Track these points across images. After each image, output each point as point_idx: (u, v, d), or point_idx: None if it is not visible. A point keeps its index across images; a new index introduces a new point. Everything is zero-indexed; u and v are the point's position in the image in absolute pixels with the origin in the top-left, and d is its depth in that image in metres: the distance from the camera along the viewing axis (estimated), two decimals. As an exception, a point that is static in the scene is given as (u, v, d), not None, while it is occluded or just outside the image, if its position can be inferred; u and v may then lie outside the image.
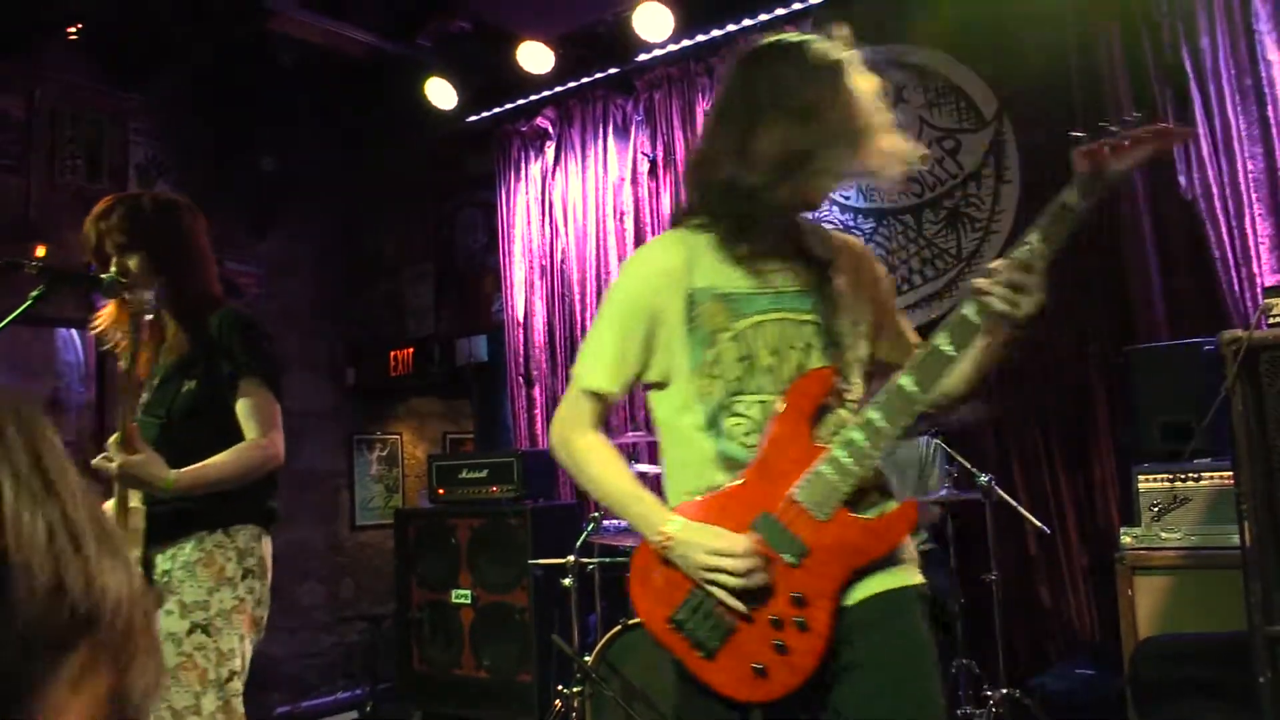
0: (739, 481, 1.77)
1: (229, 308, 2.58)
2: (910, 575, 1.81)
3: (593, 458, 1.88)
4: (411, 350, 6.66)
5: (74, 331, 5.72)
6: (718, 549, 1.69)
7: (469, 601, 5.21)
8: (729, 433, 1.79)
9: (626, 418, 5.25)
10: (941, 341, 1.73)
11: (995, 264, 1.70)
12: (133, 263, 2.53)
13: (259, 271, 6.61)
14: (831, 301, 1.85)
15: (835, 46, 1.79)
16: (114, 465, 2.28)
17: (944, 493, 3.68)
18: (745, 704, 1.72)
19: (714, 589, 1.70)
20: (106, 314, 2.64)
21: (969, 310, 1.72)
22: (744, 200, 1.77)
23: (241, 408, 2.48)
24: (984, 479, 3.53)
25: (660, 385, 1.90)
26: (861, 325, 1.91)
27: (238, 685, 2.41)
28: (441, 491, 5.47)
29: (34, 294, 2.47)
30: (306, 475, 6.70)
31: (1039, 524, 3.47)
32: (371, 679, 6.08)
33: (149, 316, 2.43)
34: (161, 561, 2.45)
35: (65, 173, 5.61)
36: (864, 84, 1.77)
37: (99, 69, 5.78)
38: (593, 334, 1.92)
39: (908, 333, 2.03)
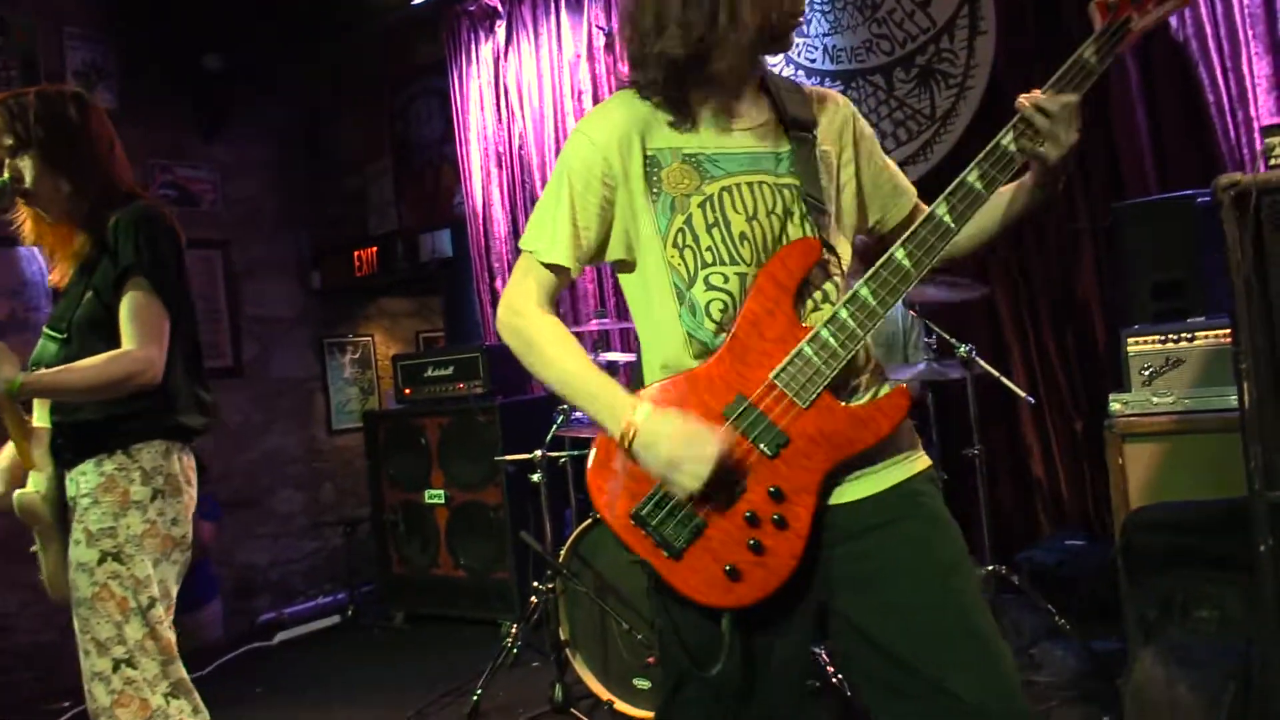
0: (712, 363, 1.58)
1: (134, 204, 2.34)
2: (914, 463, 1.64)
3: (546, 338, 1.65)
4: (375, 249, 6.46)
5: (36, 249, 5.50)
6: (686, 441, 1.50)
7: (443, 501, 5.12)
8: (704, 309, 1.60)
9: (597, 302, 5.06)
10: (941, 210, 1.54)
11: (1022, 101, 1.54)
12: (23, 164, 2.31)
13: (213, 177, 6.37)
14: (813, 163, 1.64)
15: None
16: None
17: (922, 366, 3.51)
18: (715, 609, 1.54)
19: (676, 487, 1.51)
20: (25, 224, 2.44)
21: (970, 177, 1.54)
22: (680, 71, 1.58)
23: (123, 311, 2.24)
24: (964, 349, 3.36)
25: (626, 264, 1.69)
26: (848, 189, 1.71)
27: (160, 611, 2.26)
28: (409, 391, 5.34)
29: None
30: (280, 381, 6.60)
31: (1023, 393, 3.31)
32: (353, 582, 6.03)
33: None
34: (69, 485, 2.28)
35: (1, 83, 5.30)
36: None
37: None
38: (543, 203, 1.69)
39: (906, 191, 1.80)
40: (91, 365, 2.19)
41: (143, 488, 2.25)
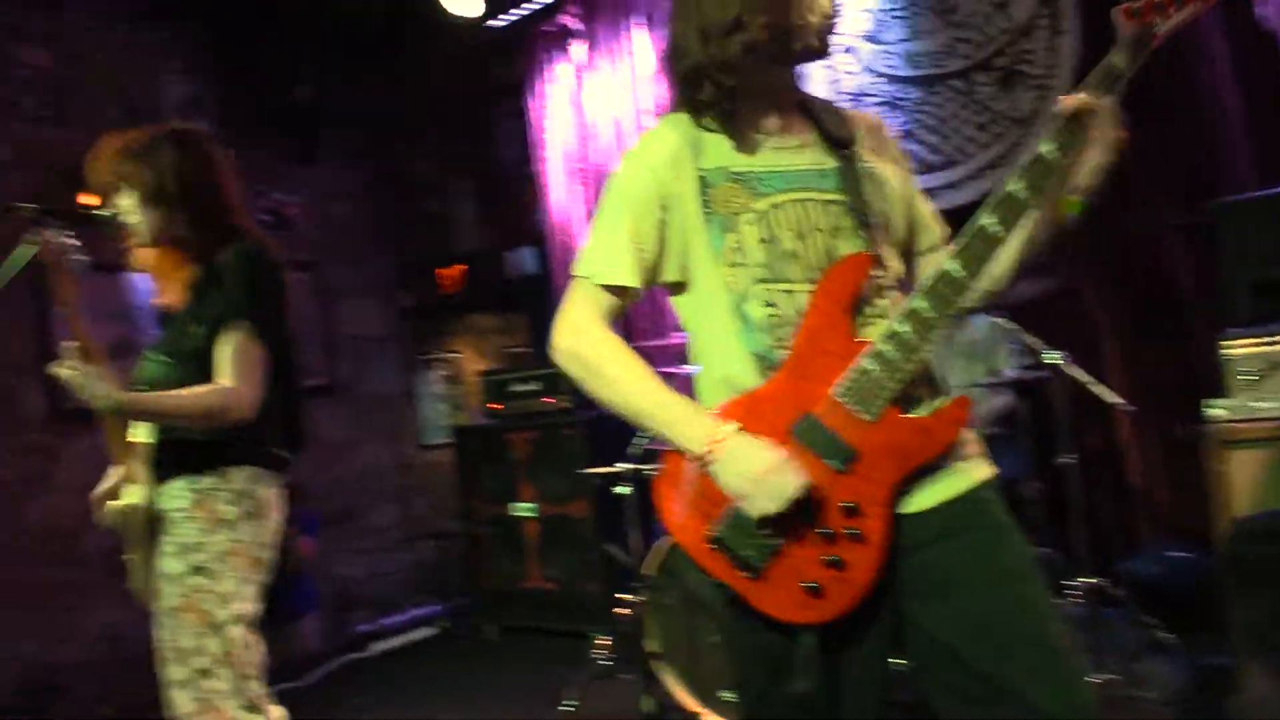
0: (773, 381, 1.59)
1: (244, 243, 2.43)
2: (977, 471, 1.63)
3: (607, 359, 1.64)
4: (461, 268, 6.58)
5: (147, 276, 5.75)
6: (771, 468, 1.50)
7: (531, 514, 5.18)
8: (759, 326, 1.61)
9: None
10: (987, 221, 1.54)
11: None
12: (135, 197, 2.42)
13: (305, 201, 6.56)
14: (857, 180, 1.66)
15: None
16: (66, 371, 2.18)
17: (1010, 375, 3.44)
18: (798, 627, 1.54)
19: (754, 506, 1.51)
20: (136, 252, 2.54)
21: (1014, 186, 1.54)
22: (714, 83, 1.64)
23: (225, 348, 2.34)
24: (1054, 355, 3.28)
25: (680, 286, 1.71)
26: (894, 205, 1.72)
27: (240, 629, 2.35)
28: (496, 406, 5.42)
29: (30, 239, 2.39)
30: (373, 398, 6.75)
31: (1118, 400, 3.23)
32: (447, 595, 6.14)
33: (75, 257, 2.28)
34: (163, 499, 2.38)
35: (102, 119, 5.54)
36: None
37: (127, 12, 5.70)
38: (599, 226, 1.71)
39: (932, 221, 1.82)
40: (188, 395, 2.28)
41: (232, 508, 2.34)
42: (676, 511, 1.60)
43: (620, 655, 4.08)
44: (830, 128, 1.71)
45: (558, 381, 5.10)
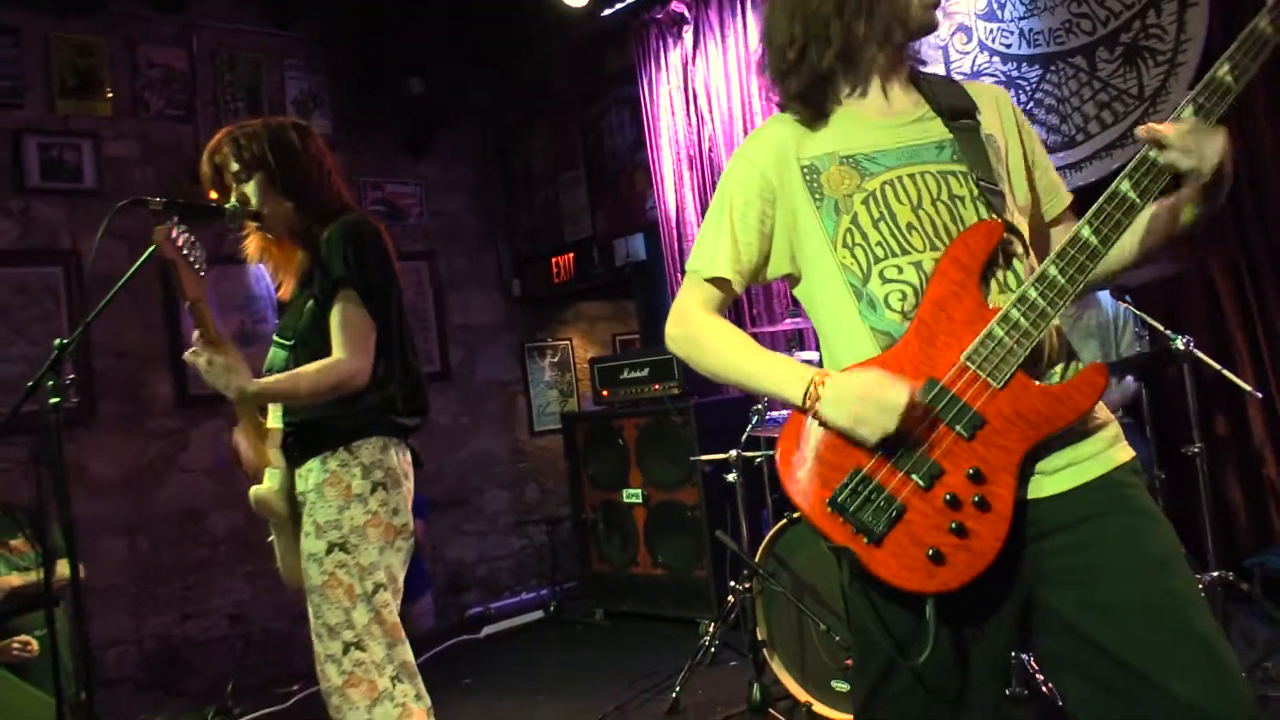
0: (898, 347, 1.57)
1: (345, 218, 2.50)
2: (1117, 453, 1.58)
3: (713, 334, 1.71)
4: (572, 255, 6.66)
5: (263, 266, 5.98)
6: (878, 382, 1.50)
7: (641, 501, 5.22)
8: (885, 303, 1.60)
9: (790, 301, 5.04)
10: (1124, 186, 1.50)
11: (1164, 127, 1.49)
12: (249, 189, 2.52)
13: (419, 193, 6.73)
14: (980, 148, 1.64)
15: None
16: (200, 360, 2.27)
17: (1134, 359, 3.31)
18: (919, 594, 1.50)
19: (868, 429, 1.49)
20: (251, 244, 2.65)
21: (1154, 152, 1.49)
22: (816, 70, 1.66)
23: (333, 320, 2.41)
24: (1180, 341, 3.15)
25: (793, 277, 1.74)
26: (1018, 172, 1.70)
27: (385, 596, 2.41)
28: (605, 393, 5.47)
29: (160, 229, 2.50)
30: (485, 386, 6.89)
31: (1249, 387, 3.09)
32: (556, 579, 6.22)
33: (183, 242, 2.35)
34: (298, 481, 2.47)
35: (228, 115, 5.79)
36: None
37: (251, 12, 5.95)
38: (705, 224, 1.77)
39: (1060, 187, 1.79)
40: (306, 374, 2.36)
41: (363, 481, 2.41)
42: (797, 477, 1.58)
43: (728, 642, 4.09)
44: (945, 100, 1.69)
45: (668, 368, 5.12)
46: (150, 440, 5.34)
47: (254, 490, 2.49)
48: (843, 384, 1.53)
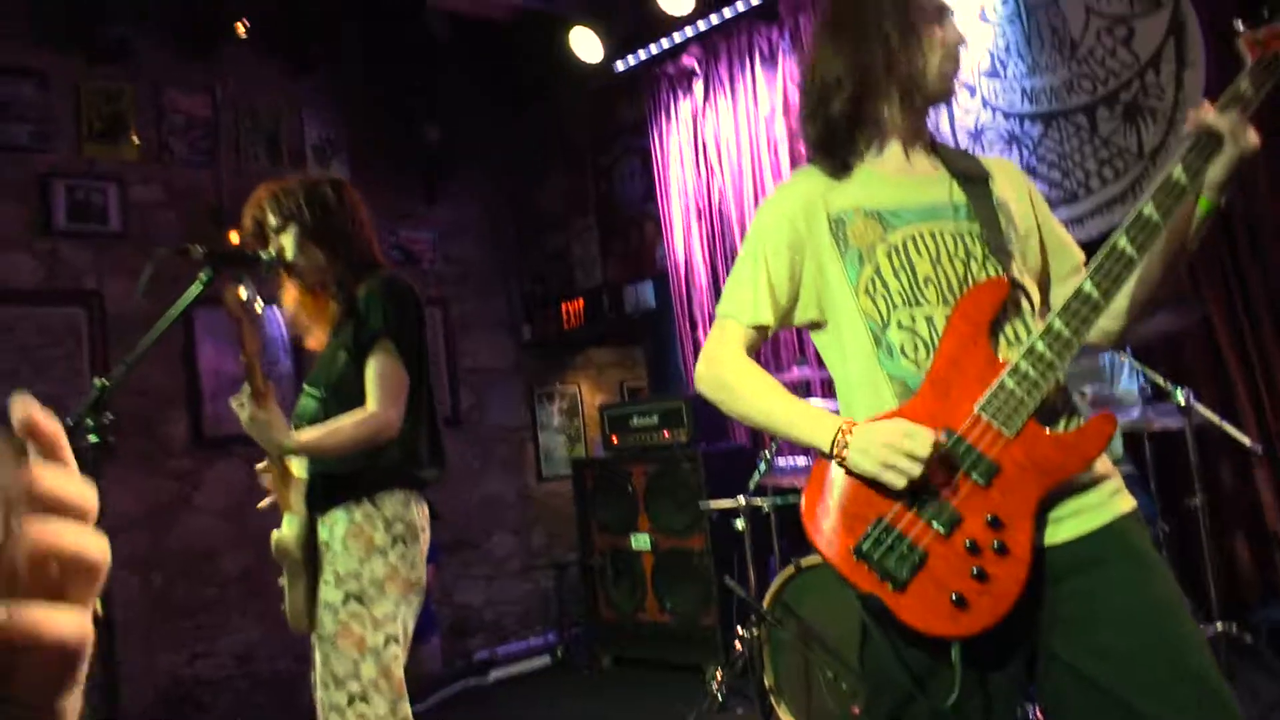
0: (914, 400, 1.65)
1: (380, 274, 2.60)
2: (1121, 502, 1.65)
3: (746, 379, 1.79)
4: (582, 302, 6.74)
5: (275, 307, 6.07)
6: (902, 431, 1.56)
7: (649, 547, 5.25)
8: (900, 351, 1.69)
9: (796, 350, 5.11)
10: (1121, 241, 1.60)
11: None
12: (286, 240, 2.61)
13: (432, 238, 6.83)
14: (992, 210, 1.75)
15: None
16: (244, 414, 2.35)
17: (1135, 415, 3.37)
18: (942, 639, 1.56)
19: (894, 474, 1.56)
20: (286, 294, 2.72)
21: (1147, 209, 1.60)
22: (844, 130, 1.78)
23: (370, 372, 2.48)
24: (1180, 393, 3.22)
25: (818, 323, 1.83)
26: (1029, 235, 1.81)
27: (395, 650, 2.45)
28: (615, 439, 5.52)
29: (201, 277, 2.59)
30: (494, 430, 6.93)
31: (1247, 440, 3.15)
32: (563, 624, 6.24)
33: (249, 299, 2.44)
34: (321, 530, 2.53)
35: (249, 161, 5.92)
36: None
37: (272, 62, 6.08)
38: (737, 271, 1.86)
39: (1071, 246, 1.89)
40: (342, 428, 2.43)
41: (385, 535, 2.47)
42: (822, 528, 1.64)
43: (735, 689, 4.11)
44: (961, 165, 1.81)
45: (677, 416, 5.18)
46: (166, 479, 5.40)
47: (275, 534, 2.54)
48: (869, 433, 1.60)
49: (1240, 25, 1.60)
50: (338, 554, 2.46)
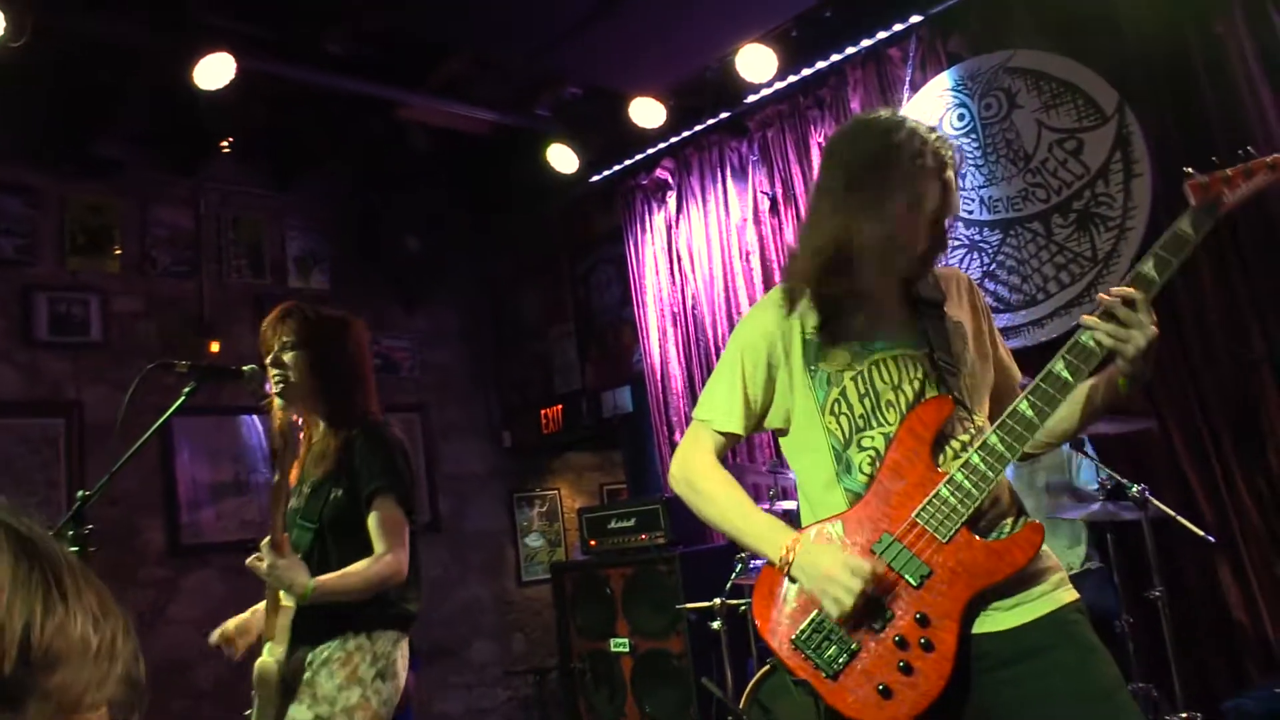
0: (859, 505, 1.80)
1: (372, 424, 2.71)
2: (1064, 594, 1.77)
3: (712, 484, 1.93)
4: (560, 407, 6.83)
5: (255, 417, 6.12)
6: (844, 564, 1.70)
7: (627, 650, 5.23)
8: (859, 468, 1.83)
9: (774, 452, 5.19)
10: (1059, 366, 1.75)
11: (1101, 297, 1.73)
12: (289, 358, 2.70)
13: (412, 346, 6.94)
14: (944, 335, 1.89)
15: (899, 125, 1.83)
16: (264, 566, 2.46)
17: (1096, 507, 3.47)
18: None
19: (830, 602, 1.70)
20: (276, 415, 2.79)
21: (1086, 336, 1.75)
22: (823, 286, 1.88)
23: (373, 521, 2.61)
24: (1135, 489, 3.32)
25: (783, 431, 1.97)
26: (979, 352, 1.95)
27: None
28: (594, 543, 5.54)
29: (186, 390, 2.70)
30: (473, 535, 6.94)
31: (1200, 532, 3.24)
32: (543, 732, 6.16)
33: (297, 419, 2.53)
34: (311, 656, 2.58)
35: (231, 272, 6.05)
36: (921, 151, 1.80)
37: (254, 176, 6.27)
38: (716, 378, 2.00)
39: (1010, 363, 2.05)
40: (359, 573, 2.54)
41: (370, 668, 2.55)
42: (769, 618, 1.82)
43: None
44: (924, 293, 1.94)
45: (654, 518, 5.22)
46: (142, 588, 5.37)
47: (259, 662, 2.59)
48: (812, 559, 1.74)
49: (1190, 170, 1.76)
50: (319, 673, 2.52)
